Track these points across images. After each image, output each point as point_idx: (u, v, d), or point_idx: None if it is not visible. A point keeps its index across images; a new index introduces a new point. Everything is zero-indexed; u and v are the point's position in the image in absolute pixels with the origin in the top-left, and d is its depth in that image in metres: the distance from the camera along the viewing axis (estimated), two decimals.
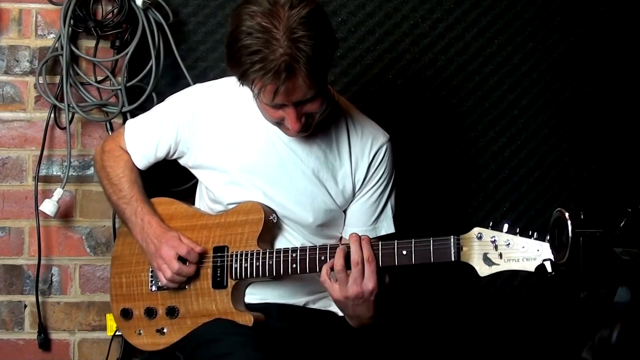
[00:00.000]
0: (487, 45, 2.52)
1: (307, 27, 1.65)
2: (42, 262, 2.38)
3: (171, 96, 2.07)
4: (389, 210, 2.00)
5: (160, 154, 2.04)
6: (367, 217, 1.98)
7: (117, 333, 2.30)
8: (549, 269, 1.60)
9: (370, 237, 1.90)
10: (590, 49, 2.55)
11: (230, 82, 1.95)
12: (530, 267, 1.64)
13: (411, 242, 1.73)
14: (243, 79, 1.72)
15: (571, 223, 1.48)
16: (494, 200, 2.54)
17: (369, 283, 1.73)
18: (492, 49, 2.53)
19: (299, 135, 1.84)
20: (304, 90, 1.69)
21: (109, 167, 2.06)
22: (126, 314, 2.02)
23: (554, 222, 1.55)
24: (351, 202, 1.99)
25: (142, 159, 2.06)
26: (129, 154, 2.07)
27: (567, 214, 1.49)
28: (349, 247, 1.76)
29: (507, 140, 2.54)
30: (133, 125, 2.09)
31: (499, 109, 2.54)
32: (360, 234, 1.78)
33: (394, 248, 1.74)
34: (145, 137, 2.05)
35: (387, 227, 2.00)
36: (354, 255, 1.73)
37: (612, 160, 2.57)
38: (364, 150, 1.96)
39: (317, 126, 1.86)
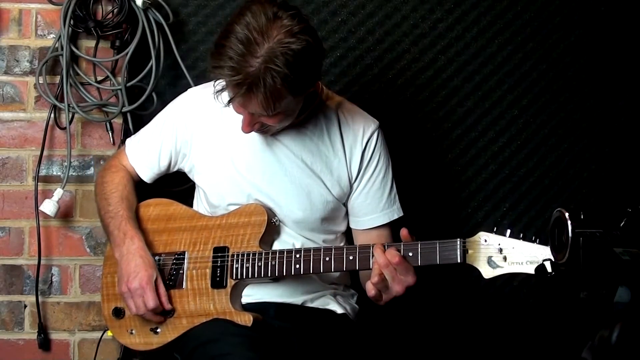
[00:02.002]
0: (487, 45, 2.52)
1: (288, 65, 1.67)
2: (42, 262, 2.38)
3: (168, 105, 2.09)
4: (395, 194, 2.04)
5: (164, 163, 2.05)
6: (376, 204, 2.00)
7: None
8: (549, 269, 1.61)
9: (385, 222, 2.01)
10: (590, 49, 2.55)
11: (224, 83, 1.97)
12: (533, 270, 1.68)
13: (417, 244, 1.76)
14: (214, 70, 1.73)
15: (571, 223, 1.49)
16: (494, 200, 2.54)
17: (410, 279, 1.77)
18: (492, 49, 2.53)
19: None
20: (258, 110, 1.74)
21: (105, 183, 2.06)
22: (118, 313, 2.00)
23: (554, 222, 1.55)
24: (350, 193, 2.00)
25: (147, 170, 2.07)
26: (128, 170, 2.08)
27: (567, 214, 1.50)
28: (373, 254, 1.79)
29: (507, 140, 2.54)
30: (133, 140, 2.11)
31: (499, 109, 2.54)
32: (382, 243, 1.80)
33: (401, 250, 1.76)
34: (147, 148, 2.06)
35: (397, 210, 2.04)
36: (380, 261, 1.75)
37: (612, 160, 2.57)
38: (357, 138, 1.98)
39: (307, 119, 1.90)
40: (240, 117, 1.93)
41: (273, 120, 1.80)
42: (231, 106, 1.82)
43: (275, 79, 1.67)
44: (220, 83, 1.78)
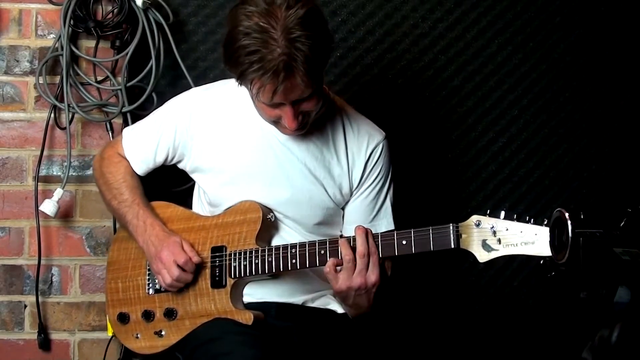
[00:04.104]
0: (487, 45, 2.52)
1: (304, 27, 1.67)
2: (42, 262, 2.38)
3: (169, 101, 2.08)
4: (388, 207, 2.01)
5: (159, 159, 2.04)
6: (365, 215, 1.99)
7: None
8: (549, 268, 1.61)
9: None
10: (590, 49, 2.55)
11: (227, 84, 1.96)
12: (529, 250, 1.64)
13: (410, 231, 1.75)
14: (241, 78, 1.74)
15: (571, 223, 1.49)
16: (494, 201, 2.54)
17: (372, 275, 1.76)
18: (492, 49, 2.53)
19: (295, 133, 1.85)
20: (301, 88, 1.71)
21: (109, 174, 2.06)
22: (123, 319, 2.01)
23: (554, 222, 1.55)
24: (349, 200, 1.99)
25: (141, 165, 2.06)
26: (128, 160, 2.07)
27: (567, 214, 1.50)
28: (350, 239, 1.78)
29: (507, 140, 2.54)
30: (130, 132, 2.09)
31: (499, 109, 2.54)
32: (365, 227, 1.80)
33: (394, 238, 1.76)
34: (144, 143, 2.05)
35: (386, 224, 2.01)
36: (360, 247, 1.76)
37: (612, 160, 2.57)
38: (361, 148, 1.97)
39: (313, 124, 1.88)
40: (244, 118, 1.94)
41: (312, 102, 1.77)
42: (264, 113, 1.81)
43: (304, 44, 1.66)
44: (254, 90, 1.74)
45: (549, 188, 2.56)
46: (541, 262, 1.65)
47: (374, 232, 1.93)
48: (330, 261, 1.79)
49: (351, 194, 1.99)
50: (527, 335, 2.52)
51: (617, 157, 2.57)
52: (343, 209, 2.02)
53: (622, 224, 1.48)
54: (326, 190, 1.95)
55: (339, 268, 1.78)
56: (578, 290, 1.56)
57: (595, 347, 1.50)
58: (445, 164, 2.54)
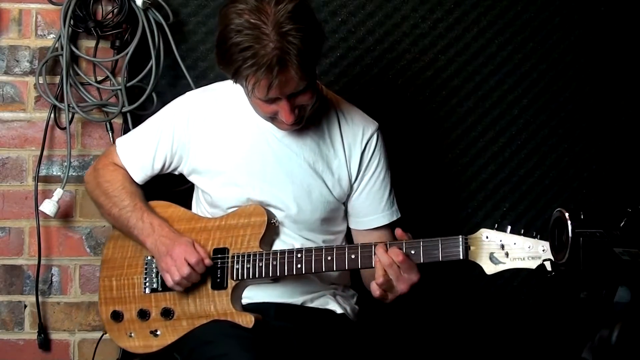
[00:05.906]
0: (487, 45, 2.52)
1: (294, 20, 1.69)
2: (42, 262, 2.38)
3: (164, 107, 2.07)
4: (393, 195, 2.05)
5: (158, 165, 2.03)
6: (377, 204, 2.02)
7: None
8: (549, 268, 1.61)
9: (387, 222, 2.02)
10: (590, 49, 2.55)
11: (221, 85, 1.98)
12: (535, 265, 1.69)
13: (420, 242, 1.77)
14: (236, 76, 1.75)
15: (571, 223, 1.49)
16: (494, 200, 2.54)
17: (414, 277, 1.78)
18: (492, 49, 2.53)
19: (292, 128, 1.87)
20: (296, 82, 1.73)
21: (106, 182, 2.04)
22: (116, 317, 2.00)
23: (554, 222, 1.56)
24: (350, 193, 2.01)
25: (140, 172, 2.05)
26: (124, 168, 2.06)
27: (567, 214, 1.50)
28: (386, 244, 1.79)
29: (507, 140, 2.54)
30: (126, 140, 2.08)
31: (499, 109, 2.54)
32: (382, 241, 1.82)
33: (403, 248, 1.77)
34: (141, 149, 2.04)
35: (396, 212, 2.05)
36: (383, 260, 1.76)
37: (612, 160, 2.57)
38: (356, 139, 1.99)
39: (308, 119, 1.90)
40: (240, 117, 1.95)
41: (307, 95, 1.79)
42: (260, 110, 1.83)
43: (295, 38, 1.68)
44: (249, 87, 1.75)
45: (549, 188, 2.56)
46: (541, 262, 1.66)
47: (389, 221, 2.02)
48: (377, 289, 1.78)
49: (351, 187, 2.00)
50: (527, 335, 2.52)
51: (617, 157, 2.57)
52: (345, 204, 2.03)
53: (622, 224, 1.48)
54: (326, 184, 1.96)
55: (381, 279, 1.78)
56: (578, 290, 1.55)
57: (595, 347, 1.50)
58: (445, 164, 2.54)
